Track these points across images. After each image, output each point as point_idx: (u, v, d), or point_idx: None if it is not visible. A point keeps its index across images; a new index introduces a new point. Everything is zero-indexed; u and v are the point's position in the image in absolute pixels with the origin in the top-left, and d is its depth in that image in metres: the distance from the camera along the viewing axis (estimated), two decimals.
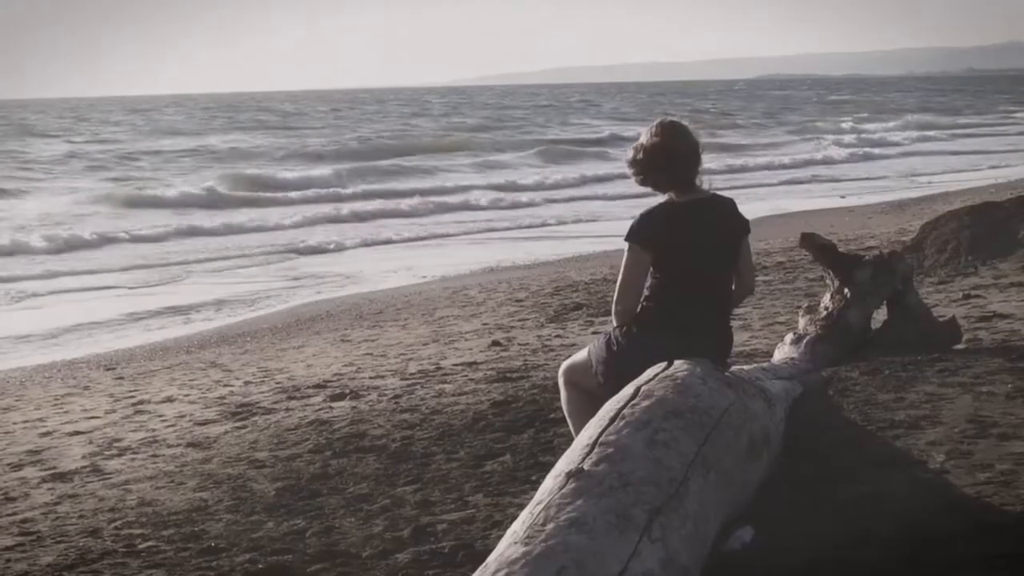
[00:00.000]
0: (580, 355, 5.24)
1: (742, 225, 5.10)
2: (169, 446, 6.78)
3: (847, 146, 43.20)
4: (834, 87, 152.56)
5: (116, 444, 6.99)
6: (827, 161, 37.16)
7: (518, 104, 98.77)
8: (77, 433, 7.44)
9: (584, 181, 31.41)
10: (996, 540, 3.72)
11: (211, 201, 27.14)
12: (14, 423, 8.01)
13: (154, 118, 79.26)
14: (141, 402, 8.31)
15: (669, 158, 4.95)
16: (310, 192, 29.02)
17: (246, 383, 8.67)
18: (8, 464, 6.74)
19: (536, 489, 3.40)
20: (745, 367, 5.63)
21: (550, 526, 2.96)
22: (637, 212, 5.07)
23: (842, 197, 24.64)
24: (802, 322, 7.02)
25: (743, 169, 34.22)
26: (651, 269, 4.95)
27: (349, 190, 29.60)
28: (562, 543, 2.86)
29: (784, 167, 35.24)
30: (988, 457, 4.66)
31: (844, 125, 56.98)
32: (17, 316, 13.81)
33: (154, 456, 6.57)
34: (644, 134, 5.06)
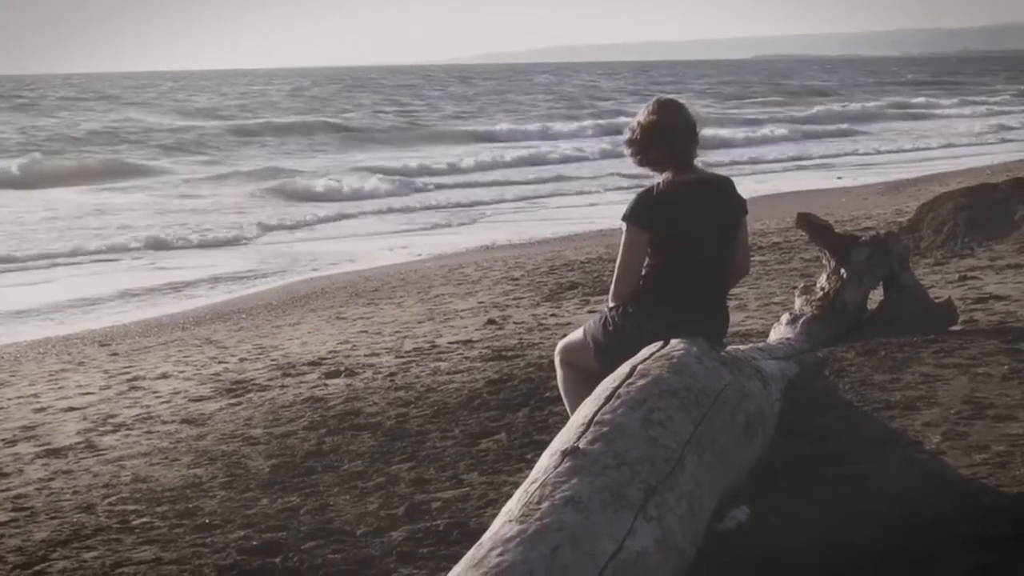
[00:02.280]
0: (576, 334, 5.22)
1: (740, 205, 5.06)
2: (164, 422, 6.77)
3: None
4: (870, 67, 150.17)
5: (110, 420, 6.98)
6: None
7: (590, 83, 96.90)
8: (71, 409, 7.43)
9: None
10: (991, 521, 3.72)
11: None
12: (8, 399, 7.99)
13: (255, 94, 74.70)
14: (136, 378, 8.30)
15: (666, 136, 4.91)
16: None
17: (241, 360, 8.66)
18: (2, 440, 6.73)
19: (531, 468, 3.40)
20: (741, 347, 5.62)
21: (545, 504, 2.95)
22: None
23: (839, 178, 24.63)
24: (798, 302, 7.01)
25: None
26: (648, 248, 4.93)
27: None
28: (557, 521, 2.85)
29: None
30: (984, 438, 4.66)
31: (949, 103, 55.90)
32: (13, 292, 13.80)
33: (148, 432, 6.56)
34: (641, 112, 5.02)
